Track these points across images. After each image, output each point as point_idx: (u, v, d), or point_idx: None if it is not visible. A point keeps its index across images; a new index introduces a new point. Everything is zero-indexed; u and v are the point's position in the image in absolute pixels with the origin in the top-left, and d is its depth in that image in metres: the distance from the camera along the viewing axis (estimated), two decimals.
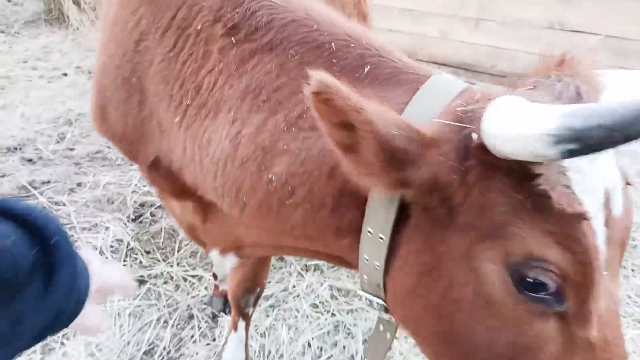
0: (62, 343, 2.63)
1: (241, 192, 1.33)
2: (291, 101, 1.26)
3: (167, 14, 1.46)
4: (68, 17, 7.63)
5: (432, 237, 1.08)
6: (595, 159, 0.95)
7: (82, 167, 4.23)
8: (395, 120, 0.99)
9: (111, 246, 3.31)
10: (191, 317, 2.84)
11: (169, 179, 1.64)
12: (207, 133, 1.38)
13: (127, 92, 1.58)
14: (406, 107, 1.14)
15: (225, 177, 1.35)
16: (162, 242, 3.39)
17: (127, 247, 3.31)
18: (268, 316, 2.83)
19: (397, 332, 1.33)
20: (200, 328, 2.75)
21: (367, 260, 1.20)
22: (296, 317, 2.84)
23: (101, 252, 3.24)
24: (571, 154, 0.82)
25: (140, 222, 3.59)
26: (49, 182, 3.97)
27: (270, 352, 2.62)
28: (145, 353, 2.62)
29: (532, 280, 0.97)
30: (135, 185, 3.95)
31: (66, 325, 0.93)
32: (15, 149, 4.44)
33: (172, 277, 3.10)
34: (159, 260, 3.22)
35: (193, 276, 3.12)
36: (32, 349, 2.56)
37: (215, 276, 2.85)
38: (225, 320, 2.79)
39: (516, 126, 0.87)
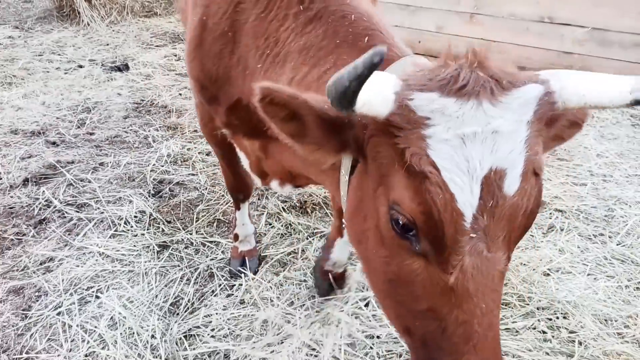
0: (96, 296, 2.95)
1: None
2: (324, 60, 1.70)
3: None
4: (79, 13, 7.94)
5: (361, 180, 1.46)
6: (468, 139, 1.19)
7: (103, 149, 4.55)
8: (325, 98, 1.30)
9: (135, 216, 3.63)
10: (211, 275, 3.16)
11: (245, 119, 2.07)
12: (277, 77, 1.82)
13: (223, 43, 2.05)
14: None
15: None
16: (181, 214, 3.71)
17: (149, 217, 3.63)
18: (279, 274, 3.15)
19: None
20: (221, 285, 3.07)
21: (342, 194, 1.61)
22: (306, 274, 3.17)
23: (126, 222, 3.56)
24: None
25: (160, 196, 3.91)
26: (73, 162, 4.29)
27: (280, 299, 2.94)
28: (172, 304, 2.93)
29: (400, 222, 1.26)
30: (154, 164, 4.27)
31: None
32: (40, 133, 4.76)
33: (192, 243, 3.42)
34: (179, 229, 3.54)
35: (211, 242, 3.44)
36: (70, 300, 2.89)
37: (236, 237, 3.18)
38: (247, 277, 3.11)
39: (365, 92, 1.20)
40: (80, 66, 6.43)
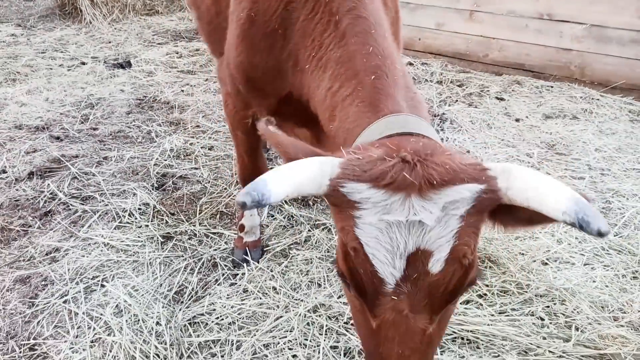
0: (102, 285, 3.00)
1: (327, 122, 1.95)
2: (349, 83, 1.84)
3: None
4: (81, 11, 8.01)
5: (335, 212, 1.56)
6: (393, 225, 1.36)
7: (107, 144, 4.60)
8: (301, 149, 1.54)
9: (139, 208, 3.68)
10: (215, 265, 3.21)
11: (298, 110, 2.21)
12: (319, 81, 1.95)
13: (273, 39, 2.16)
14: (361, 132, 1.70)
15: (322, 112, 1.97)
16: (185, 206, 3.76)
17: (153, 209, 3.68)
18: (281, 264, 3.19)
19: None
20: (224, 274, 3.12)
21: None
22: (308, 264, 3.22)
23: (131, 214, 3.61)
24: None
25: (164, 189, 3.96)
26: (77, 156, 4.35)
27: (282, 288, 2.98)
28: (176, 293, 2.98)
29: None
30: (157, 159, 4.33)
31: None
32: (44, 128, 4.81)
33: (195, 234, 3.47)
34: (182, 221, 3.59)
35: (214, 233, 3.49)
36: (76, 289, 2.94)
37: (242, 227, 3.23)
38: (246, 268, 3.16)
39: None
40: (83, 63, 6.49)
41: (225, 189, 3.95)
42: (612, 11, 5.65)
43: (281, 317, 2.77)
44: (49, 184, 3.89)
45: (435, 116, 5.26)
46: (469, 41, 6.72)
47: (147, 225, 3.51)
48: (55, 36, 7.50)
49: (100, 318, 2.76)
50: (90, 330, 2.69)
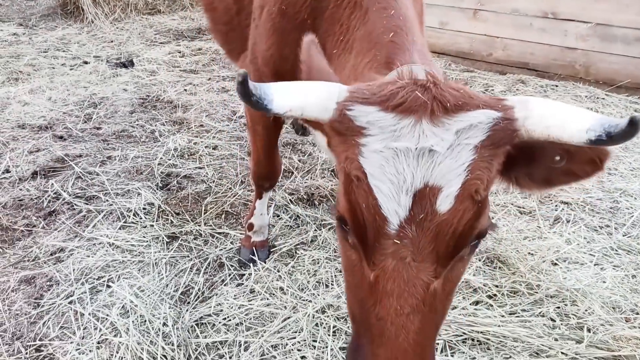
0: (107, 286, 2.98)
1: None
2: (370, 52, 1.81)
3: None
4: (83, 10, 7.98)
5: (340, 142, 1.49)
6: (401, 153, 1.28)
7: (110, 143, 4.57)
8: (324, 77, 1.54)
9: (144, 208, 3.65)
10: (221, 265, 3.18)
11: None
12: (346, 62, 1.93)
13: (302, 29, 2.09)
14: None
15: None
16: (190, 206, 3.73)
17: (158, 209, 3.65)
18: (287, 264, 3.17)
19: None
20: (230, 274, 3.10)
21: None
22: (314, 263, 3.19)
23: (135, 214, 3.59)
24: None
25: (168, 189, 3.93)
26: (80, 155, 4.32)
27: (290, 288, 2.96)
28: (182, 293, 2.96)
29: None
30: (161, 158, 4.30)
31: None
32: (47, 127, 4.78)
33: (200, 234, 3.44)
34: (188, 221, 3.56)
35: (219, 233, 3.46)
36: (81, 289, 2.91)
37: (251, 226, 3.20)
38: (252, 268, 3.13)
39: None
40: (86, 62, 6.46)
41: (230, 188, 3.93)
42: (617, 9, 5.62)
43: (289, 317, 2.75)
44: (52, 184, 3.86)
45: None
46: (472, 40, 6.69)
47: (152, 225, 3.49)
48: (57, 35, 7.47)
49: (107, 319, 2.73)
50: (96, 331, 2.66)
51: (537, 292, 2.83)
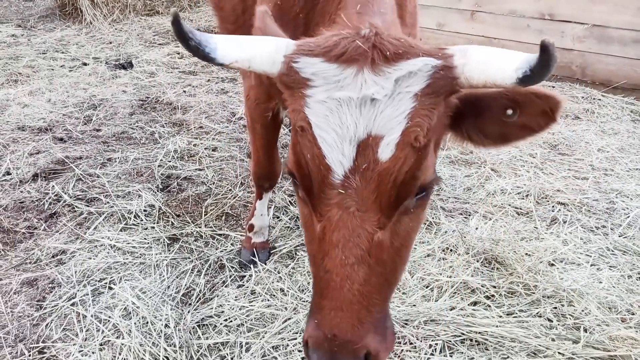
0: (109, 287, 3.00)
1: None
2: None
3: None
4: (82, 11, 7.99)
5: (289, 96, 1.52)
6: (344, 102, 1.32)
7: (110, 145, 4.60)
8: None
9: (144, 210, 3.67)
10: (222, 267, 3.21)
11: None
12: None
13: (295, 25, 2.14)
14: None
15: None
16: (190, 208, 3.76)
17: (159, 211, 3.68)
18: (288, 265, 3.20)
19: None
20: (231, 276, 3.12)
21: None
22: None
23: (136, 216, 3.61)
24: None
25: (169, 191, 3.96)
26: (81, 157, 4.34)
27: (290, 289, 2.99)
28: (184, 295, 2.98)
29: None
30: (161, 160, 4.32)
31: None
32: (47, 129, 4.81)
33: (201, 236, 3.47)
34: (188, 222, 3.59)
35: (220, 235, 3.49)
36: (84, 291, 2.93)
37: (251, 227, 3.23)
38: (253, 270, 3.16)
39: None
40: (85, 64, 6.48)
41: (230, 190, 3.95)
42: (614, 11, 5.66)
43: (290, 319, 2.78)
44: (53, 186, 3.88)
45: None
46: (470, 41, 6.72)
47: (153, 227, 3.51)
48: (56, 37, 7.49)
49: (109, 321, 2.76)
50: (99, 333, 2.69)
51: (534, 293, 2.86)
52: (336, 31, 1.46)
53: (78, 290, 2.96)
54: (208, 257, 3.27)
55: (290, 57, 1.41)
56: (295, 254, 3.31)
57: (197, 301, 2.94)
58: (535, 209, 3.71)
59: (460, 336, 2.61)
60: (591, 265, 3.15)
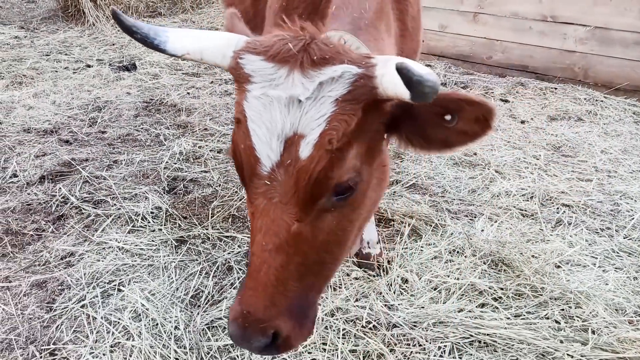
0: (119, 289, 3.02)
1: None
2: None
3: None
4: (84, 13, 8.00)
5: (236, 89, 1.65)
6: (275, 100, 1.41)
7: (116, 147, 4.61)
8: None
9: (151, 212, 3.69)
10: (230, 269, 3.22)
11: None
12: None
13: None
14: None
15: None
16: (197, 210, 3.77)
17: (165, 213, 3.69)
18: None
19: None
20: (239, 278, 3.14)
21: None
22: None
23: (143, 218, 3.63)
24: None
25: (175, 193, 3.97)
26: (87, 159, 4.35)
27: None
28: (193, 297, 3.00)
29: None
30: (167, 162, 4.34)
31: None
32: (52, 131, 4.82)
33: (208, 238, 3.48)
34: (195, 224, 3.61)
35: (227, 237, 3.50)
36: (93, 293, 2.95)
37: None
38: None
39: None
40: (89, 66, 6.49)
41: (236, 192, 3.97)
42: (616, 13, 5.69)
43: None
44: (60, 188, 3.90)
45: None
46: (472, 43, 6.75)
47: (160, 229, 3.53)
48: (59, 38, 7.50)
49: (119, 322, 2.78)
50: (109, 334, 2.70)
51: (541, 295, 2.88)
52: (279, 32, 1.55)
53: (87, 292, 2.97)
54: (216, 259, 3.28)
55: (238, 53, 1.50)
56: None
57: (206, 303, 2.95)
58: (540, 211, 3.73)
59: (468, 338, 2.63)
60: (597, 267, 3.17)
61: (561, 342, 2.56)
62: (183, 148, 4.56)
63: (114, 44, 7.35)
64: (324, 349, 2.62)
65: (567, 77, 6.19)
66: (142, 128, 4.96)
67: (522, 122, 5.29)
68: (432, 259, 3.23)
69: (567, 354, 2.46)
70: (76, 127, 4.91)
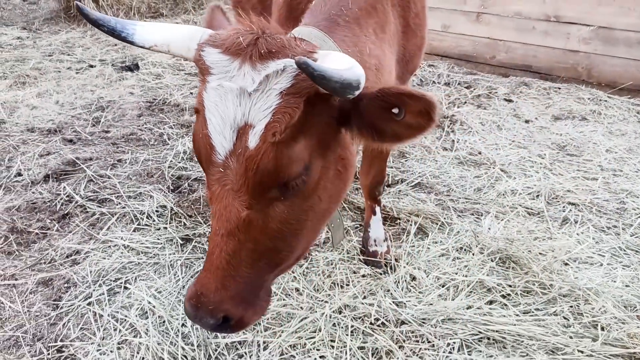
0: (125, 287, 3.00)
1: None
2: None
3: None
4: None
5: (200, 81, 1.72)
6: (229, 91, 1.47)
7: (120, 146, 4.60)
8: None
9: (157, 211, 3.68)
10: None
11: None
12: None
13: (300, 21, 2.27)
14: None
15: None
16: (202, 208, 3.76)
17: (170, 211, 3.68)
18: (302, 265, 3.20)
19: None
20: None
21: None
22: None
23: (148, 216, 3.62)
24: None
25: (180, 192, 3.96)
26: (91, 159, 4.34)
27: (305, 289, 2.99)
28: None
29: None
30: (171, 161, 4.33)
31: None
32: (56, 131, 4.81)
33: None
34: (200, 223, 3.60)
35: None
36: (99, 291, 2.93)
37: None
38: None
39: None
40: (92, 66, 6.49)
41: None
42: (620, 13, 5.69)
43: (306, 318, 2.78)
44: (65, 187, 3.89)
45: (445, 118, 5.28)
46: (476, 43, 6.74)
47: (165, 228, 3.52)
48: (61, 39, 7.50)
49: (126, 320, 2.76)
50: (116, 332, 2.69)
51: (550, 292, 2.87)
52: (237, 26, 1.60)
53: (94, 290, 2.96)
54: None
55: (200, 46, 1.55)
56: (309, 253, 3.31)
57: None
58: (546, 209, 3.72)
59: (478, 334, 2.61)
60: (605, 264, 3.16)
61: (571, 338, 2.55)
62: (187, 147, 4.55)
63: (116, 45, 7.35)
64: (332, 346, 2.60)
65: (571, 77, 6.18)
66: (145, 127, 4.95)
67: (527, 121, 5.28)
68: (440, 256, 3.21)
69: (578, 350, 2.45)
70: (80, 126, 4.90)
